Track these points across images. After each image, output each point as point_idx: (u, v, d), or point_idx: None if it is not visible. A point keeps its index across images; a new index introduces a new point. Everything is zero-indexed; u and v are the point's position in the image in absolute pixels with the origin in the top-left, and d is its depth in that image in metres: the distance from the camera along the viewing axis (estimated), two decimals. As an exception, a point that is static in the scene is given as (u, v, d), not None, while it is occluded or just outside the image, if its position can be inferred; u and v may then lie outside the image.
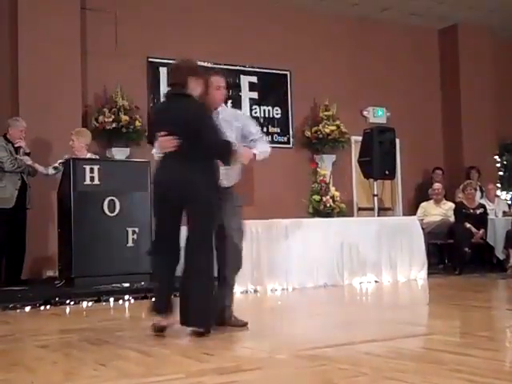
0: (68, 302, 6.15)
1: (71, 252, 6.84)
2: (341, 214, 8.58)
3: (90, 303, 6.21)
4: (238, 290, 6.98)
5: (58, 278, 7.17)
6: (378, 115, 11.18)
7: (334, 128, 10.30)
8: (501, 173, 11.85)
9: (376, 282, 7.84)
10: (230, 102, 10.13)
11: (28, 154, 7.42)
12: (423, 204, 9.94)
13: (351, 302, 6.73)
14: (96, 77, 8.91)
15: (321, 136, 10.30)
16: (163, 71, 9.48)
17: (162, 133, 4.24)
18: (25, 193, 7.35)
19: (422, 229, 8.61)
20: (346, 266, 7.69)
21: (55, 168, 7.38)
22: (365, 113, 11.15)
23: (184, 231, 4.29)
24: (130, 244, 7.11)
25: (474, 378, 2.87)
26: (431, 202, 9.87)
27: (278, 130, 10.46)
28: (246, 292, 7.03)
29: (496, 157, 11.83)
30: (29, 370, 3.36)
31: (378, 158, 8.93)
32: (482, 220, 9.26)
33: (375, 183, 9.16)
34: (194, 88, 4.35)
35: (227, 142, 4.30)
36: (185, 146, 4.19)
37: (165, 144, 4.25)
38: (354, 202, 10.91)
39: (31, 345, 4.11)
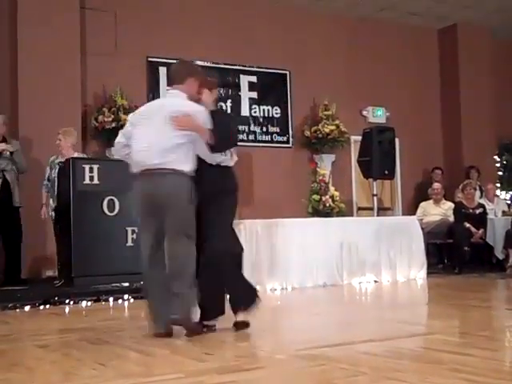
0: (67, 301, 6.15)
1: (70, 252, 6.84)
2: (340, 213, 8.59)
3: (90, 303, 6.21)
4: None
5: (58, 278, 7.18)
6: (377, 115, 11.19)
7: (333, 128, 10.30)
8: (500, 172, 11.87)
9: (375, 281, 7.84)
10: (229, 101, 10.16)
11: (11, 154, 7.37)
12: (423, 204, 9.94)
13: (350, 301, 6.73)
14: (95, 76, 8.91)
15: (320, 136, 10.30)
16: (163, 71, 9.49)
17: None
18: (8, 191, 7.31)
19: (422, 228, 8.61)
20: (346, 265, 7.69)
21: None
22: (364, 112, 11.16)
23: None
24: (130, 243, 7.11)
25: (473, 377, 2.87)
26: (431, 201, 9.87)
27: (278, 130, 10.46)
28: (246, 292, 7.02)
29: (495, 156, 11.84)
30: (28, 370, 3.36)
31: (377, 157, 8.93)
32: (481, 220, 9.26)
33: (375, 183, 9.16)
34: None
35: None
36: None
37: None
38: (353, 201, 10.92)
39: (31, 344, 4.10)
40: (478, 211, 9.36)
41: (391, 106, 11.22)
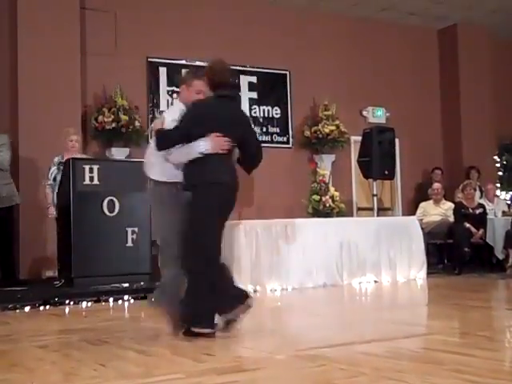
0: (67, 302, 6.15)
1: (70, 252, 6.85)
2: (340, 213, 8.60)
3: (90, 303, 6.21)
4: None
5: (58, 278, 7.17)
6: (377, 115, 11.19)
7: (333, 128, 10.30)
8: (500, 173, 11.85)
9: (375, 281, 7.84)
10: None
11: None
12: (422, 204, 9.94)
13: (350, 302, 6.73)
14: (95, 76, 8.91)
15: (320, 136, 10.30)
16: (163, 71, 9.50)
17: (217, 134, 4.18)
18: None
19: (422, 229, 8.61)
20: (346, 266, 7.68)
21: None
22: (364, 113, 11.16)
23: None
24: (130, 244, 7.11)
25: (473, 378, 2.87)
26: (431, 201, 9.87)
27: (278, 130, 10.46)
28: (246, 292, 7.02)
29: (495, 157, 11.84)
30: (28, 371, 3.36)
31: (377, 157, 8.93)
32: (481, 220, 9.25)
33: (374, 183, 9.15)
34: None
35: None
36: (231, 149, 4.26)
37: (220, 144, 4.19)
38: (353, 201, 10.91)
39: (31, 345, 4.10)
40: (478, 211, 9.36)
41: (391, 106, 11.22)
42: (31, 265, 8.04)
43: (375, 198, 9.21)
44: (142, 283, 6.82)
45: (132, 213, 7.15)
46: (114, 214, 7.06)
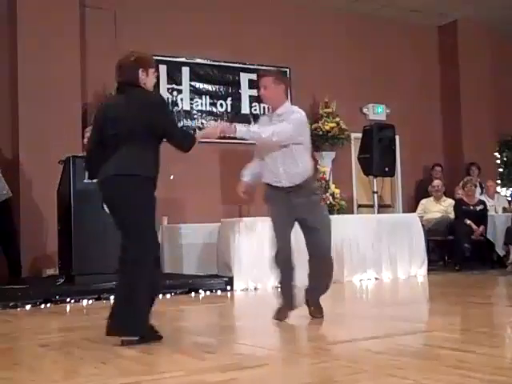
0: (68, 300, 6.16)
1: (71, 250, 6.83)
2: (341, 211, 8.58)
3: (91, 301, 6.22)
4: (238, 287, 7.01)
5: (58, 276, 7.17)
6: (377, 112, 11.17)
7: (333, 125, 10.28)
8: (501, 169, 11.85)
9: (376, 278, 7.85)
10: (229, 99, 10.15)
11: None
12: (423, 201, 9.94)
13: (351, 298, 6.73)
14: (95, 75, 8.89)
15: (320, 133, 10.28)
16: (163, 69, 9.48)
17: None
18: None
19: (422, 225, 8.61)
20: (346, 262, 7.69)
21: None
22: (364, 110, 11.15)
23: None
24: (130, 242, 7.09)
25: (474, 374, 2.87)
26: (431, 198, 9.87)
27: (278, 128, 10.43)
28: (247, 289, 7.03)
29: (496, 153, 11.83)
30: (29, 369, 3.36)
31: (377, 154, 8.93)
32: (481, 216, 9.26)
33: (375, 180, 9.15)
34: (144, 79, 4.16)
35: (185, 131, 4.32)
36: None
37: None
38: (353, 199, 10.91)
39: (32, 343, 4.11)
40: (478, 208, 9.36)
41: (391, 103, 11.21)
42: (32, 263, 8.03)
43: (376, 195, 9.21)
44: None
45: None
46: (115, 212, 7.04)
